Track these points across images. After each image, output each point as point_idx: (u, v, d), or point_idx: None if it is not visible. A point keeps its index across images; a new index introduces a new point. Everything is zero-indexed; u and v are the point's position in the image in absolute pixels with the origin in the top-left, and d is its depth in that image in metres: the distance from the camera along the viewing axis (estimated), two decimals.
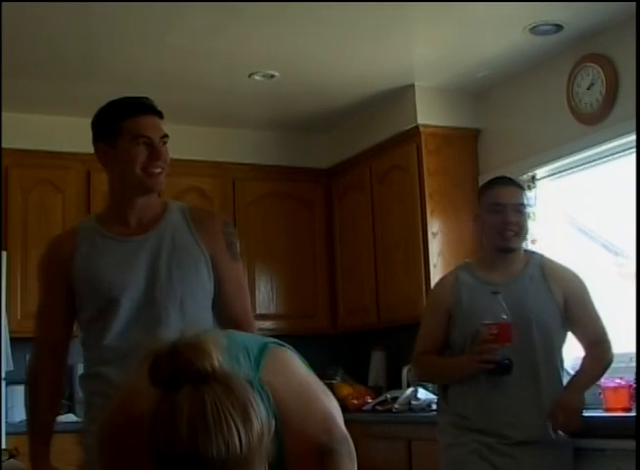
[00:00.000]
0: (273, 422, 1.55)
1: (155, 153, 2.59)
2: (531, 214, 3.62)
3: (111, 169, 2.66)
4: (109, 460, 1.76)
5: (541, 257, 3.64)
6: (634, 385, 3.89)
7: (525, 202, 3.52)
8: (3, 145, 5.31)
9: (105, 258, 2.60)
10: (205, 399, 1.47)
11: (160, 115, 2.64)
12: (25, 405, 2.66)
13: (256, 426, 1.48)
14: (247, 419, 1.47)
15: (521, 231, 3.47)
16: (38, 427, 2.62)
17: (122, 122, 2.58)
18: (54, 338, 2.65)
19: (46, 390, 2.62)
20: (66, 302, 2.63)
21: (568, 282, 3.54)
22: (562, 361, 3.52)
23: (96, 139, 2.66)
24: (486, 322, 3.31)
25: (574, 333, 3.53)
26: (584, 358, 3.56)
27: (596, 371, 3.56)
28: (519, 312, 3.39)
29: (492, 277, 3.49)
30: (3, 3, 4.07)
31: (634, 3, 4.18)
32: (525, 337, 3.39)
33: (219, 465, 1.43)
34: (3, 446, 3.79)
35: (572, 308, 3.51)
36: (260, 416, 1.49)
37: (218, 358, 1.52)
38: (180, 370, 1.50)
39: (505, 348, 3.32)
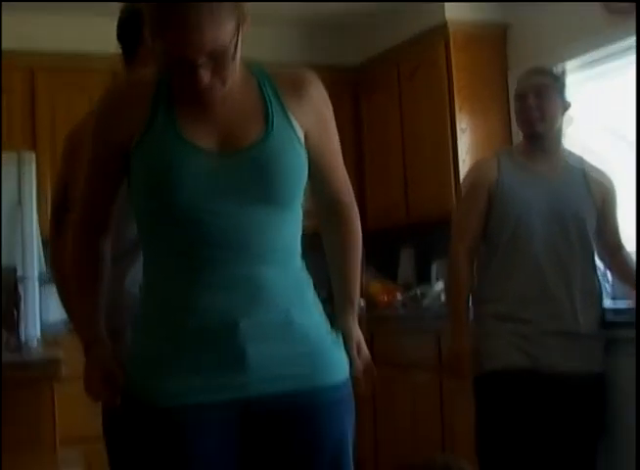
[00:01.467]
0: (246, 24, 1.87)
1: None
2: (570, 118, 3.50)
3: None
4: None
5: (581, 157, 3.60)
6: None
7: (549, 85, 3.41)
8: (28, 47, 5.38)
9: None
10: None
11: None
12: None
13: None
14: None
15: (544, 115, 3.39)
16: None
17: None
18: None
19: None
20: None
21: (606, 187, 3.53)
22: (594, 261, 3.53)
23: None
24: None
25: (598, 238, 3.52)
26: (612, 265, 3.63)
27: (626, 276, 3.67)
28: (559, 206, 3.39)
29: (533, 166, 3.46)
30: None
31: None
32: (564, 231, 3.39)
33: None
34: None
35: (605, 214, 3.52)
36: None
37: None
38: None
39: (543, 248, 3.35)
